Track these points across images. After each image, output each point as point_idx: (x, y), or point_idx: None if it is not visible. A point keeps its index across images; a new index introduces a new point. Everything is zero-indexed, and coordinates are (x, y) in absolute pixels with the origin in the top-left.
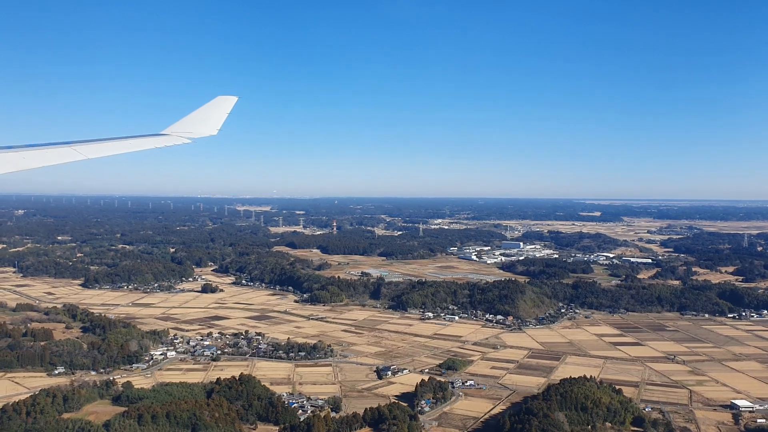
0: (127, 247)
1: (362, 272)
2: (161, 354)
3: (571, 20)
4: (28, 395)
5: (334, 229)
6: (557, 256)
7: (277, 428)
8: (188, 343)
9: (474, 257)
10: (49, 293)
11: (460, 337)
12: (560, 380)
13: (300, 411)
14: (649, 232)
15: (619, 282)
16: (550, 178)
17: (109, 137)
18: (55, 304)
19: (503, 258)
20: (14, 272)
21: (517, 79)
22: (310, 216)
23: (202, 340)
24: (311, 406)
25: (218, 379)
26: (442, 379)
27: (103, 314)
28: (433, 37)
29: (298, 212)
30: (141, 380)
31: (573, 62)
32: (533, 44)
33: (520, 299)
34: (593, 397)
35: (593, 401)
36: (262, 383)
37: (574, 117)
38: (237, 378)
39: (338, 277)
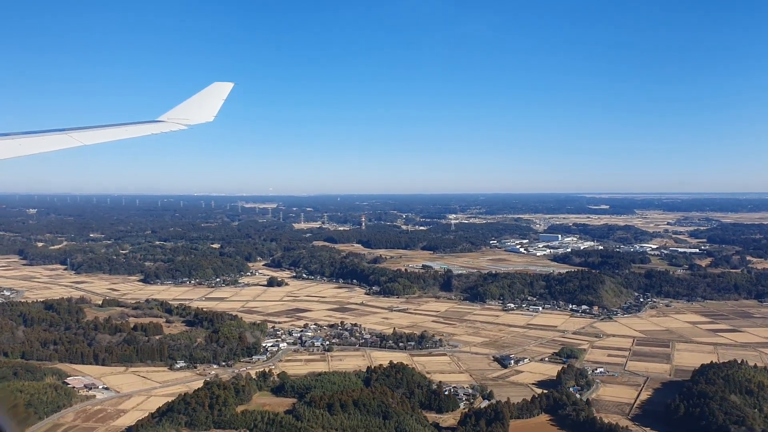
0: (167, 243)
1: (423, 265)
2: (273, 345)
3: (570, 16)
4: (174, 388)
5: (363, 224)
6: (602, 247)
7: (443, 416)
8: (290, 334)
9: (522, 250)
10: (112, 289)
11: (555, 327)
12: (701, 366)
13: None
14: (668, 223)
15: (685, 271)
16: (549, 173)
17: (104, 124)
18: (137, 300)
19: (550, 250)
20: (64, 269)
21: (513, 76)
22: (320, 213)
23: (302, 331)
24: (464, 394)
25: (369, 367)
26: (578, 366)
27: (200, 308)
28: (430, 34)
29: (308, 209)
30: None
31: (566, 57)
32: (529, 41)
33: (602, 289)
34: (756, 381)
35: (757, 384)
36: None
37: (568, 114)
38: (392, 366)
39: (405, 270)
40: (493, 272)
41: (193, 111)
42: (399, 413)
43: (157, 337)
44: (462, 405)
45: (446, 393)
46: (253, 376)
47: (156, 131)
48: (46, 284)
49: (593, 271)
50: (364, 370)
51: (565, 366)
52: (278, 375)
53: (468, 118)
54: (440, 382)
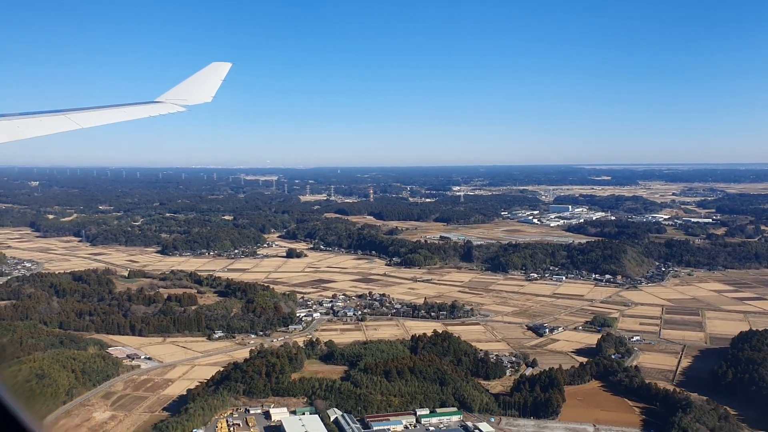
0: (178, 215)
1: (440, 236)
2: (306, 315)
3: None
4: (222, 356)
5: (371, 197)
6: (613, 218)
7: (490, 383)
8: (320, 304)
9: (535, 221)
10: (131, 261)
11: (582, 296)
12: (740, 333)
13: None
14: (674, 194)
15: (704, 240)
16: (548, 145)
17: (103, 105)
18: (162, 271)
19: (564, 221)
20: (79, 241)
21: (511, 46)
22: (324, 185)
23: (332, 301)
24: (508, 362)
25: (414, 335)
26: (615, 333)
27: (231, 279)
28: (425, 3)
29: (310, 181)
30: (302, 340)
31: (562, 27)
32: (525, 10)
33: (624, 258)
34: None
35: None
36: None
37: (567, 85)
38: (437, 334)
39: (425, 241)
40: (513, 243)
41: (191, 91)
42: (455, 380)
43: (193, 308)
44: (508, 372)
45: (493, 360)
46: (301, 345)
47: (154, 113)
48: (64, 256)
49: (614, 241)
50: (404, 339)
51: (604, 334)
52: (325, 343)
53: (466, 91)
54: (486, 351)
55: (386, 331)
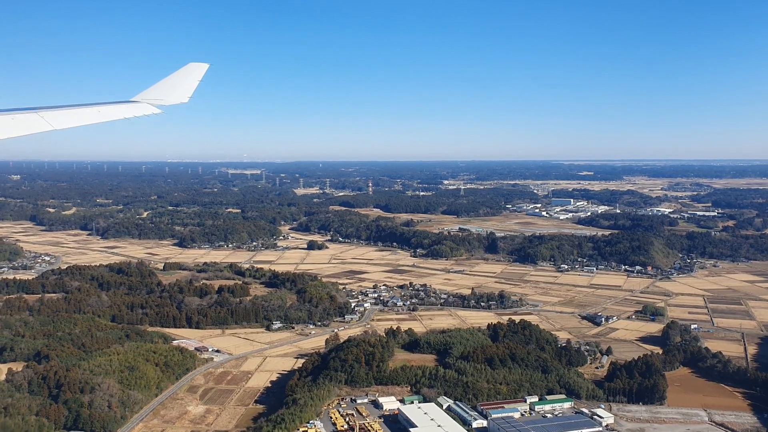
0: (180, 208)
1: (459, 228)
2: (357, 305)
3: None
4: (287, 348)
5: (370, 189)
6: (618, 211)
7: (580, 369)
8: (365, 294)
9: (544, 213)
10: (151, 254)
11: (619, 286)
12: None
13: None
14: (662, 189)
15: (721, 233)
16: (525, 141)
17: (77, 103)
18: (195, 262)
19: (571, 214)
20: (88, 234)
21: (489, 42)
22: (310, 178)
23: (375, 292)
24: (584, 350)
25: (491, 324)
26: (673, 323)
27: (274, 270)
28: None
29: (296, 175)
30: (361, 330)
31: (538, 24)
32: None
33: (652, 250)
34: None
35: None
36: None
37: (542, 83)
38: (513, 323)
39: (448, 232)
40: (538, 234)
41: (167, 91)
42: (557, 367)
43: (248, 299)
44: (588, 360)
45: (576, 349)
46: (381, 334)
47: (130, 115)
48: (79, 249)
49: (640, 233)
50: (481, 327)
51: (669, 322)
52: (406, 332)
53: (442, 88)
54: (568, 339)
55: (442, 320)
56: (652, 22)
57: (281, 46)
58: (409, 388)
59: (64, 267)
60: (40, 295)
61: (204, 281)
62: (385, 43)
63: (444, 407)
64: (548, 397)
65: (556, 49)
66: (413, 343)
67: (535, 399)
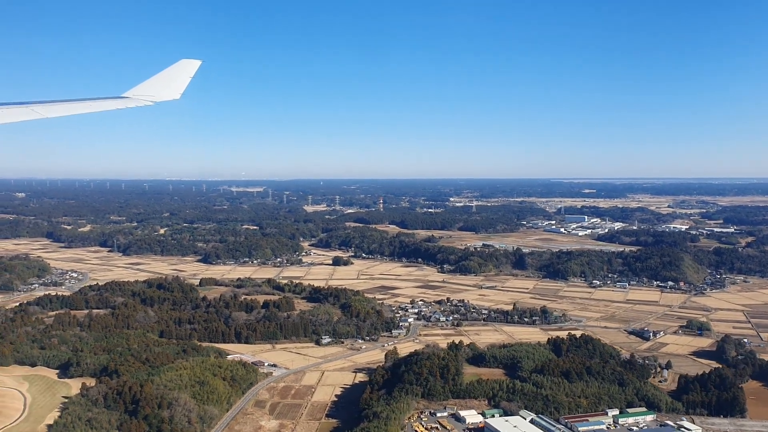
0: (196, 225)
1: (483, 244)
2: (402, 320)
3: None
4: (347, 362)
5: (381, 206)
6: (635, 228)
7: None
8: (404, 309)
9: (562, 230)
10: (177, 270)
11: (656, 302)
12: None
13: None
14: (669, 206)
15: (749, 249)
16: (523, 159)
17: (69, 99)
18: (229, 278)
19: (589, 230)
20: (109, 251)
21: (487, 62)
22: (315, 196)
23: (413, 307)
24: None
25: (551, 338)
26: (721, 338)
27: (313, 285)
28: (405, 13)
29: (300, 192)
30: (412, 345)
31: (534, 44)
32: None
33: (683, 266)
34: None
35: None
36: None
37: (542, 103)
38: (576, 337)
39: (474, 249)
40: (566, 251)
41: (159, 88)
42: (634, 381)
43: (295, 313)
44: (651, 374)
45: (640, 363)
46: (443, 347)
47: (121, 107)
48: (103, 266)
49: (670, 249)
50: (541, 342)
51: (723, 336)
52: (468, 346)
53: (442, 106)
54: (631, 353)
55: (488, 335)
56: (649, 45)
57: (280, 68)
58: (486, 402)
59: (101, 283)
60: (87, 311)
61: (244, 296)
62: (380, 63)
63: (527, 420)
64: (629, 410)
65: (551, 70)
66: (478, 357)
67: (616, 412)
